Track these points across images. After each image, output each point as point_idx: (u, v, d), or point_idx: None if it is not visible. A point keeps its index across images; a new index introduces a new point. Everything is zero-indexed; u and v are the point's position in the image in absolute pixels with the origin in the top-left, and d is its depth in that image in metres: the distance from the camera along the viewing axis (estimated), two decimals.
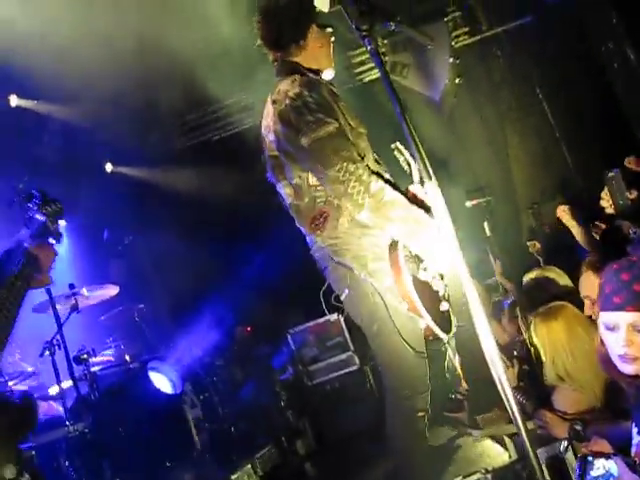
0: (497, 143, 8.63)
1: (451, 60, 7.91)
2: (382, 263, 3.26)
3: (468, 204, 7.00)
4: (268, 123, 3.50)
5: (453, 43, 8.25)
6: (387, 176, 3.60)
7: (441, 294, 3.38)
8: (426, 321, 3.14)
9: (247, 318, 8.36)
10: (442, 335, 3.22)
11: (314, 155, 3.24)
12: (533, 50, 8.24)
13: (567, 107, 8.19)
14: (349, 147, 3.26)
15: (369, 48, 2.74)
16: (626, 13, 4.86)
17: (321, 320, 7.05)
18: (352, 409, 6.89)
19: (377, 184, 3.16)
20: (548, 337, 3.88)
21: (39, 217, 3.01)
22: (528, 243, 7.09)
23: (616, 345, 2.59)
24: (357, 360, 6.98)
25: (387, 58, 7.96)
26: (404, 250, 3.22)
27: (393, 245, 3.22)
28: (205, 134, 9.11)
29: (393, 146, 3.59)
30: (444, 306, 3.32)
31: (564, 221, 5.66)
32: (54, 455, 5.06)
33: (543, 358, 3.92)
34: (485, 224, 7.03)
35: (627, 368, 2.60)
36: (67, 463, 5.04)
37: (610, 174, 4.40)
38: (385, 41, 7.87)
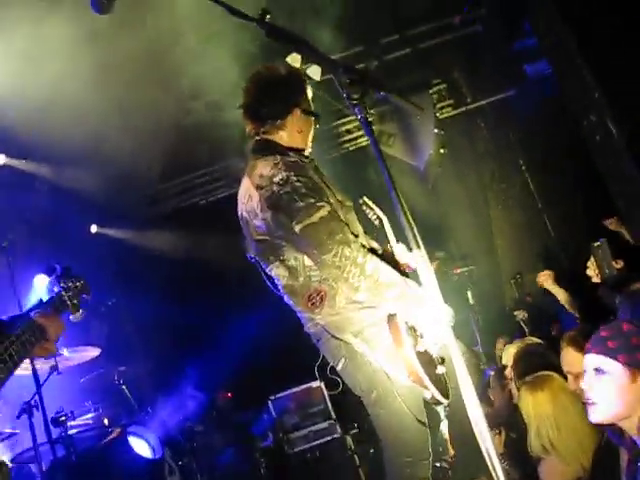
0: (480, 213, 8.76)
1: (436, 131, 8.07)
2: (377, 328, 3.26)
3: (451, 273, 7.07)
4: (252, 208, 3.41)
5: (438, 114, 8.43)
6: (374, 244, 3.64)
7: (436, 357, 3.39)
8: (432, 392, 3.14)
9: (228, 384, 8.28)
10: (443, 400, 3.22)
11: (308, 241, 3.22)
12: (516, 122, 8.42)
13: (550, 178, 8.33)
14: (342, 229, 3.24)
15: (360, 117, 2.80)
16: (608, 87, 4.99)
17: (303, 387, 6.99)
18: (332, 478, 6.78)
19: (371, 264, 3.16)
20: (533, 407, 3.89)
21: (55, 289, 3.05)
22: (515, 312, 7.09)
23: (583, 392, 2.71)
24: (338, 428, 6.90)
25: (374, 127, 8.11)
26: (403, 322, 3.23)
27: (392, 316, 3.23)
28: (192, 197, 9.16)
29: (361, 201, 3.65)
30: (440, 369, 3.32)
31: (547, 286, 5.71)
32: None
33: (528, 428, 3.92)
34: (468, 293, 7.08)
35: (590, 416, 2.69)
36: None
37: (596, 244, 4.46)
38: (372, 111, 8.03)
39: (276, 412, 7.09)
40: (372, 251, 3.31)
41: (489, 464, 2.54)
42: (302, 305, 3.44)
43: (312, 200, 3.21)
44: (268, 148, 3.47)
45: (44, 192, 7.48)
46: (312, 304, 3.37)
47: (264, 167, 3.33)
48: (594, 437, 3.57)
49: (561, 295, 5.61)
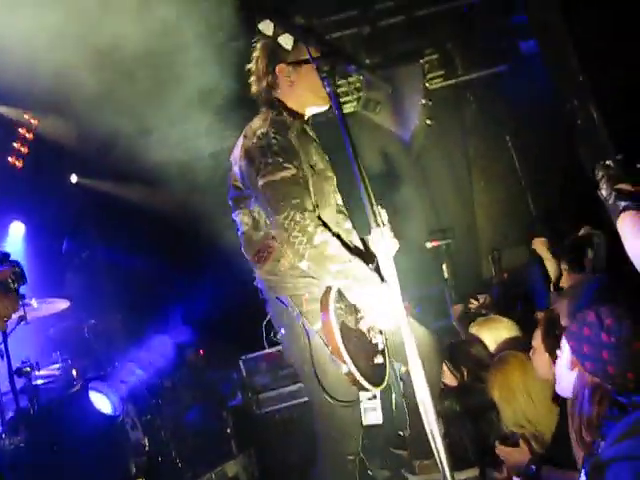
0: (462, 187, 8.72)
1: (423, 101, 8.00)
2: (316, 305, 3.26)
3: (428, 245, 7.06)
4: (236, 155, 3.52)
5: (427, 85, 8.35)
6: (347, 225, 3.63)
7: (379, 348, 3.38)
8: (348, 367, 3.13)
9: (201, 341, 8.29)
10: (368, 386, 3.21)
11: (266, 197, 3.26)
12: (506, 98, 8.36)
13: (534, 157, 8.30)
14: (301, 195, 3.25)
15: (328, 90, 2.78)
16: (592, 73, 4.96)
17: (275, 349, 7.00)
18: (299, 440, 6.83)
19: (322, 236, 3.16)
20: (505, 383, 3.92)
21: None
22: (479, 296, 7.03)
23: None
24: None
25: (361, 94, 8.03)
26: (338, 296, 3.23)
27: (327, 290, 3.23)
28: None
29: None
30: (379, 359, 3.33)
31: (538, 251, 5.71)
32: None
33: (501, 409, 3.96)
34: (444, 266, 7.09)
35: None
36: None
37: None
38: (361, 77, 7.93)
39: (247, 371, 7.12)
40: (326, 226, 3.29)
41: (434, 448, 2.58)
42: (250, 256, 3.52)
43: (280, 159, 3.26)
44: (267, 102, 3.59)
45: (26, 139, 7.41)
46: (258, 258, 3.45)
47: (257, 120, 3.47)
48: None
49: (550, 264, 5.62)
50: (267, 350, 7.04)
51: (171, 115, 6.39)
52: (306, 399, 6.72)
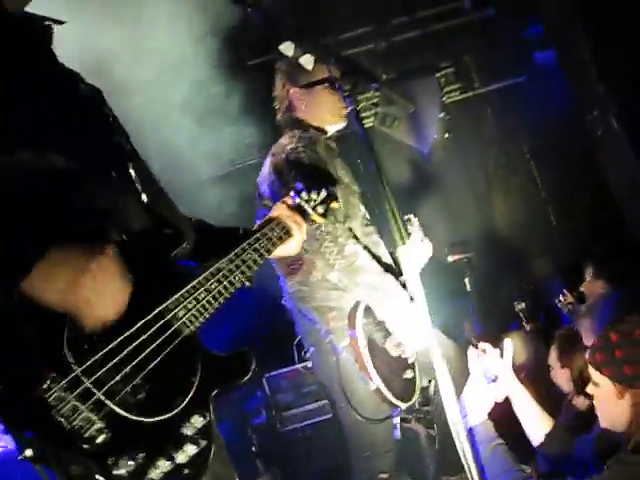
0: (482, 200, 8.67)
1: (441, 115, 7.99)
2: (343, 322, 3.27)
3: (449, 259, 7.01)
4: (264, 173, 3.62)
5: (444, 99, 8.34)
6: (374, 238, 3.64)
7: (409, 362, 3.37)
8: (376, 384, 3.13)
9: None
10: (397, 402, 3.20)
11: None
12: (523, 110, 8.32)
13: (554, 168, 8.26)
14: None
15: (350, 109, 2.80)
16: (612, 83, 4.93)
17: (298, 366, 7.00)
18: (324, 458, 6.80)
19: (352, 248, 3.20)
20: None
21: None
22: (515, 303, 6.98)
23: None
24: (331, 409, 6.91)
25: (378, 109, 8.02)
26: (366, 311, 3.23)
27: (355, 305, 3.24)
28: None
29: (406, 217, 3.71)
30: (408, 374, 3.32)
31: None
32: None
33: None
34: (466, 280, 7.04)
35: None
36: None
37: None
38: (377, 93, 7.94)
39: (270, 389, 7.11)
40: (356, 238, 3.32)
41: (465, 465, 2.56)
42: (282, 268, 3.58)
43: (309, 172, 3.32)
44: (292, 124, 3.71)
45: None
46: (291, 270, 3.50)
47: (285, 138, 3.58)
48: None
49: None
50: (290, 367, 7.03)
51: None
52: (330, 416, 6.81)
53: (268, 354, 7.85)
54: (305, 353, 3.59)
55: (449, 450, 2.82)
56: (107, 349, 1.82)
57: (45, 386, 1.67)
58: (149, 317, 1.96)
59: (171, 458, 1.88)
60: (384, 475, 3.48)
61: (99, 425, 1.75)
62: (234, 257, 2.35)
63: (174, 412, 1.94)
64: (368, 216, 3.75)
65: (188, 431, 1.96)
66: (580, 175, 7.57)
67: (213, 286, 2.22)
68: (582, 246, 6.68)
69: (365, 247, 3.32)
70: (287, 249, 2.68)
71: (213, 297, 2.21)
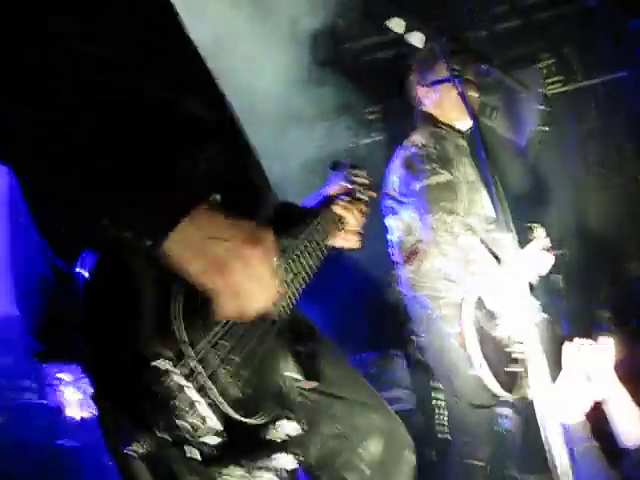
0: (579, 197, 8.40)
1: (541, 107, 7.79)
2: (454, 309, 3.34)
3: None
4: (394, 165, 3.89)
5: (546, 90, 8.12)
6: (495, 235, 3.60)
7: (518, 356, 3.35)
8: (482, 370, 3.15)
9: None
10: (500, 391, 3.21)
11: (420, 200, 3.55)
12: (625, 105, 8.05)
13: None
14: (452, 200, 3.50)
15: (459, 90, 2.73)
16: None
17: (383, 353, 6.97)
18: None
19: (467, 239, 3.30)
20: None
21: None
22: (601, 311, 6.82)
23: None
24: (414, 400, 6.84)
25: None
26: (478, 301, 3.27)
27: (467, 294, 3.29)
28: None
29: (527, 225, 3.88)
30: (515, 367, 3.31)
31: None
32: None
33: None
34: (559, 276, 6.87)
35: None
36: None
37: None
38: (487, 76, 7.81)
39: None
40: (473, 232, 3.43)
41: (550, 465, 2.46)
42: (401, 257, 3.82)
43: (436, 166, 3.56)
44: (423, 120, 3.96)
45: None
46: (408, 258, 3.73)
47: (416, 133, 3.86)
48: None
49: None
50: (374, 353, 6.99)
51: None
52: (409, 407, 6.73)
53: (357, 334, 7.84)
54: (416, 337, 3.73)
55: (532, 447, 2.81)
56: (230, 347, 1.58)
57: (162, 368, 1.39)
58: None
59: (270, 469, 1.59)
60: (480, 463, 3.48)
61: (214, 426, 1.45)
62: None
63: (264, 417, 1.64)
64: (493, 214, 3.74)
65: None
66: None
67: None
68: None
69: (482, 241, 3.39)
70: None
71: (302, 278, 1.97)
